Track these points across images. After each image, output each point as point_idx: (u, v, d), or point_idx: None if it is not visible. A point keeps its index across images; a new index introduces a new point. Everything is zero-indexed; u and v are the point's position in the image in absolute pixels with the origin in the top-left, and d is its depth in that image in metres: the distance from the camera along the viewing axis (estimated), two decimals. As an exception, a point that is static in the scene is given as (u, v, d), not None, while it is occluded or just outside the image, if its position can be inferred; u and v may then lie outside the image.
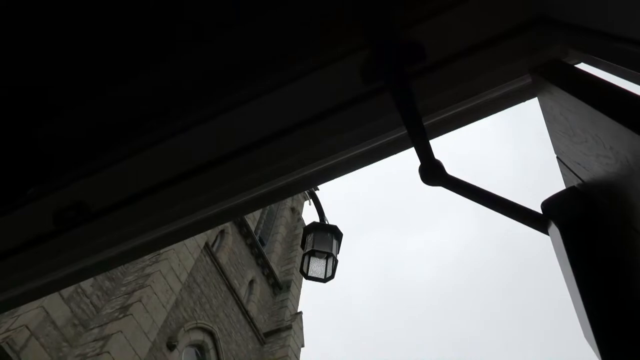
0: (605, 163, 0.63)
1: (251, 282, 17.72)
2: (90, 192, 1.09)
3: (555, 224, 0.78)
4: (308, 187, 1.19)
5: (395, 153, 1.07)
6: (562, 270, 0.83)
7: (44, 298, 9.90)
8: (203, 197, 1.09)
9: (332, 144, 1.04)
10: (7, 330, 9.20)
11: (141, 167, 1.08)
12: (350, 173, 1.13)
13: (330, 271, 3.72)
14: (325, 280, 3.70)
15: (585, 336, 0.78)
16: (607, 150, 0.61)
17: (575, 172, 0.79)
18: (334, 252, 3.77)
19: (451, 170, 1.00)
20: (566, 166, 0.83)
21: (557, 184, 0.91)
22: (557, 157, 0.87)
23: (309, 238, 3.88)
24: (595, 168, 0.68)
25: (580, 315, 0.76)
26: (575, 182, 0.80)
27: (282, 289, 18.92)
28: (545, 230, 0.86)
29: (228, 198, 1.10)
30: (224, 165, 1.05)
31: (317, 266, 3.76)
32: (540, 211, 0.86)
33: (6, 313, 10.37)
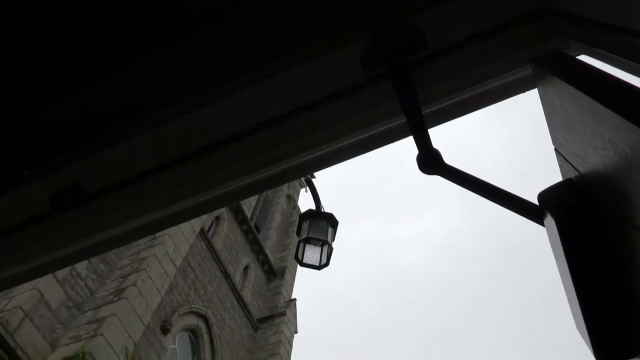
0: (604, 155, 0.63)
1: (246, 268, 17.78)
2: (87, 174, 1.09)
3: (552, 216, 0.78)
4: (306, 173, 1.19)
5: (394, 141, 1.07)
6: (556, 262, 0.83)
7: (38, 280, 9.91)
8: (200, 182, 1.09)
9: (331, 131, 1.03)
10: (1, 311, 9.21)
11: (138, 150, 1.07)
12: (348, 160, 1.13)
13: (325, 259, 3.73)
14: (320, 267, 3.72)
15: (578, 327, 0.79)
16: (606, 143, 0.61)
17: (573, 164, 0.79)
18: (329, 239, 3.78)
19: (446, 159, 1.01)
20: (564, 158, 0.84)
21: (553, 177, 0.92)
22: (555, 149, 0.87)
23: (305, 225, 3.89)
24: (593, 160, 0.68)
25: (574, 307, 0.77)
26: (572, 175, 0.81)
27: (276, 276, 19.01)
28: (541, 222, 0.86)
29: (226, 183, 1.10)
30: (223, 150, 1.05)
31: (312, 253, 3.77)
32: (536, 202, 0.86)
33: (0, 294, 10.39)
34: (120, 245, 1.30)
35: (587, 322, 0.71)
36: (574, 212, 0.75)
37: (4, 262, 1.26)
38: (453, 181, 0.97)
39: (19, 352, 8.75)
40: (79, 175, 1.09)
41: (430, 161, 0.98)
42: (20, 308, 9.28)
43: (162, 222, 1.22)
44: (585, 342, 0.76)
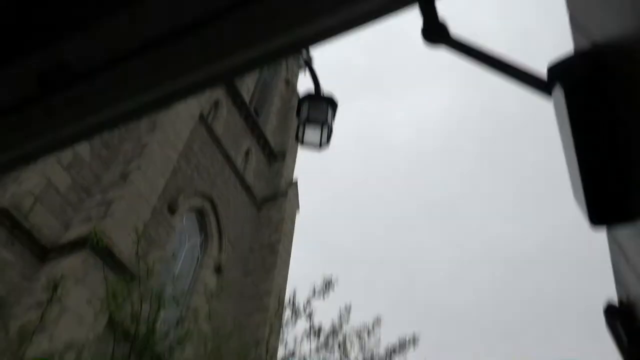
0: (622, 19, 0.60)
1: (247, 152, 18.01)
2: (74, 53, 1.05)
3: (560, 87, 0.76)
4: (305, 45, 1.15)
5: (397, 11, 1.02)
6: (560, 134, 0.83)
7: (44, 166, 10.09)
8: (196, 57, 1.05)
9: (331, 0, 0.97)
10: (12, 195, 9.51)
11: (128, 24, 1.02)
12: (348, 35, 1.08)
13: (325, 139, 3.76)
14: (320, 147, 3.77)
15: (575, 196, 0.81)
16: (627, 3, 0.57)
17: (587, 31, 0.76)
18: (329, 120, 3.77)
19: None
20: (578, 25, 0.80)
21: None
22: (570, 16, 0.83)
23: (304, 106, 3.86)
24: (610, 25, 0.65)
25: (573, 175, 0.78)
26: (585, 44, 0.78)
27: (277, 159, 19.32)
28: (548, 93, 0.85)
29: (223, 57, 1.06)
30: (217, 25, 1.00)
31: (312, 134, 3.79)
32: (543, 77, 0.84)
33: (9, 179, 10.64)
34: (116, 126, 1.29)
35: (585, 187, 0.72)
36: (584, 82, 0.74)
37: (2, 144, 1.26)
38: (459, 52, 0.94)
39: (35, 233, 9.19)
40: (66, 55, 1.05)
41: (436, 31, 0.94)
42: (31, 192, 9.57)
43: (158, 103, 1.20)
44: (581, 209, 0.78)
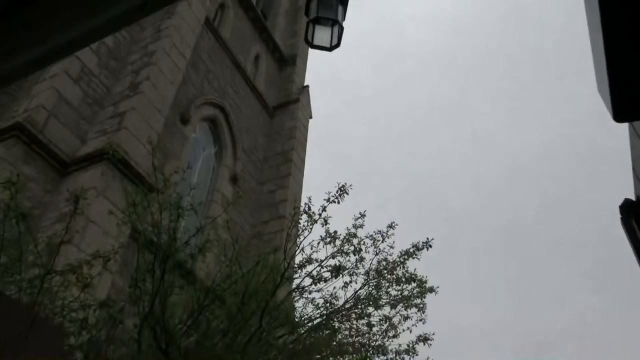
0: None
1: (256, 58, 17.51)
2: None
3: None
4: None
5: None
6: (588, 25, 0.77)
7: (53, 80, 9.95)
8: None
9: None
10: (26, 110, 9.49)
11: None
12: None
13: (336, 39, 3.54)
14: (331, 48, 3.55)
15: (599, 90, 0.79)
16: None
17: None
18: (339, 18, 3.53)
19: None
20: None
21: None
22: None
23: (313, 4, 3.60)
24: None
25: (599, 69, 0.76)
26: None
27: (288, 63, 18.79)
28: None
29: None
30: None
31: (322, 34, 3.57)
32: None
33: (21, 96, 10.57)
34: (116, 29, 1.18)
35: (611, 81, 0.71)
36: None
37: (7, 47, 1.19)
38: None
39: (52, 147, 9.27)
40: None
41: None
42: (43, 107, 9.52)
43: None
44: (605, 104, 0.76)
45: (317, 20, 3.58)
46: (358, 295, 6.71)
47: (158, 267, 5.40)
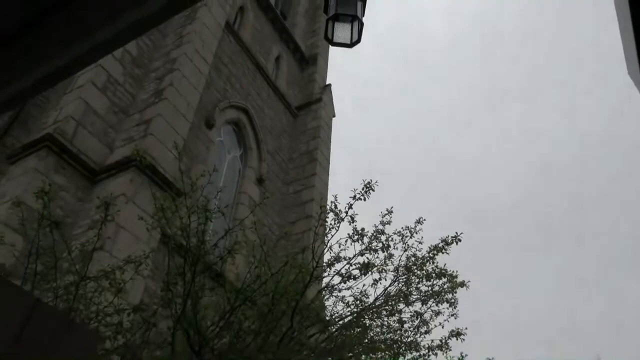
0: None
1: (277, 58, 17.56)
2: None
3: None
4: None
5: None
6: (617, 10, 0.75)
7: (79, 90, 10.17)
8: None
9: None
10: (55, 122, 9.72)
11: None
12: None
13: (357, 35, 3.50)
14: (351, 45, 3.52)
15: (629, 72, 0.75)
16: None
17: None
18: (359, 14, 3.49)
19: None
20: None
21: None
22: None
23: (332, 1, 3.57)
24: None
25: (629, 53, 0.72)
26: None
27: (309, 63, 18.79)
28: None
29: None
30: None
31: (342, 31, 3.53)
32: None
33: (49, 107, 10.85)
34: (140, 33, 1.18)
35: None
36: None
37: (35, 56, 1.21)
38: None
39: (82, 156, 9.48)
40: None
41: None
42: (72, 117, 9.74)
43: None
44: (637, 86, 0.73)
45: (336, 17, 3.55)
46: (388, 292, 6.66)
47: (188, 270, 5.46)
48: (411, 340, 6.49)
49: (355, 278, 6.48)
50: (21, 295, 4.59)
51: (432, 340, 6.50)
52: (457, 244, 6.65)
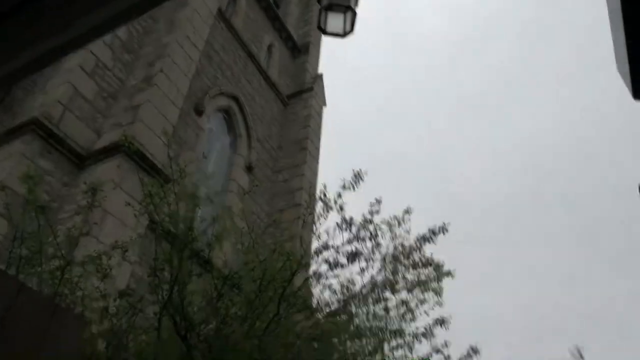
0: None
1: (270, 47, 17.46)
2: None
3: None
4: None
5: None
6: (608, 6, 0.77)
7: (68, 74, 10.04)
8: None
9: None
10: (41, 105, 9.60)
11: None
12: None
13: (350, 25, 3.49)
14: (344, 35, 3.50)
15: (619, 69, 0.76)
16: None
17: None
18: (352, 4, 3.47)
19: None
20: None
21: None
22: None
23: (324, -11, 3.55)
24: None
25: (618, 48, 0.74)
26: None
27: (301, 52, 18.71)
28: None
29: None
30: None
31: (335, 21, 3.52)
32: None
33: (36, 90, 10.70)
34: (129, 19, 1.17)
35: (631, 58, 0.69)
36: None
37: (19, 44, 1.19)
38: None
39: (69, 142, 9.38)
40: None
41: None
42: (59, 102, 9.62)
43: None
44: (625, 82, 0.75)
45: (329, 7, 3.53)
46: (375, 281, 6.72)
47: (175, 255, 5.46)
48: (396, 329, 6.56)
49: (342, 266, 6.52)
50: (5, 279, 4.57)
51: (417, 328, 6.58)
52: (444, 234, 6.70)
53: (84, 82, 10.21)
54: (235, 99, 14.41)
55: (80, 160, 9.43)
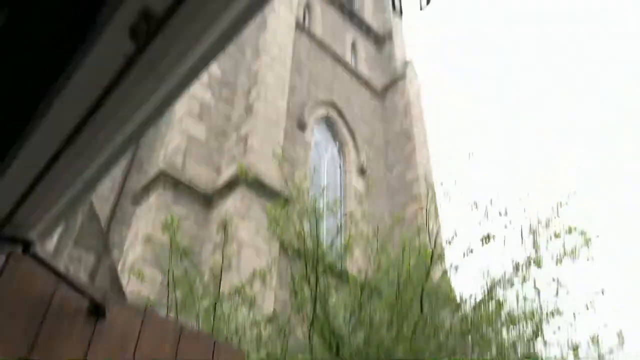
0: None
1: (353, 44, 17.39)
2: None
3: None
4: None
5: None
6: None
7: (180, 123, 10.86)
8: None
9: None
10: (164, 157, 10.47)
11: None
12: None
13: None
14: (420, 9, 3.36)
15: None
16: None
17: None
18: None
19: None
20: None
21: None
22: None
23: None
24: None
25: None
26: None
27: (385, 41, 18.38)
28: None
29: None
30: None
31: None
32: None
33: (156, 144, 11.71)
34: (217, 53, 1.13)
35: None
36: None
37: (123, 114, 1.22)
38: None
39: (194, 185, 10.12)
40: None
41: None
42: (178, 150, 10.44)
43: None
44: None
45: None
46: (516, 261, 6.30)
47: (311, 273, 5.58)
48: (553, 309, 6.08)
49: (477, 251, 6.21)
50: (167, 324, 5.00)
51: (576, 303, 6.04)
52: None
53: (195, 126, 10.97)
54: (333, 105, 14.53)
55: (207, 199, 10.11)
